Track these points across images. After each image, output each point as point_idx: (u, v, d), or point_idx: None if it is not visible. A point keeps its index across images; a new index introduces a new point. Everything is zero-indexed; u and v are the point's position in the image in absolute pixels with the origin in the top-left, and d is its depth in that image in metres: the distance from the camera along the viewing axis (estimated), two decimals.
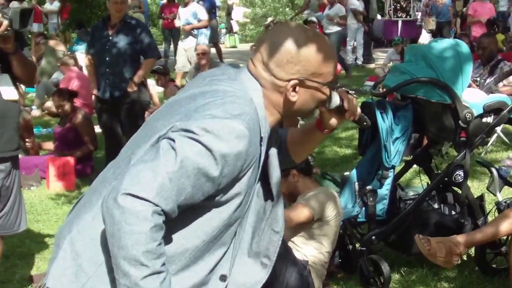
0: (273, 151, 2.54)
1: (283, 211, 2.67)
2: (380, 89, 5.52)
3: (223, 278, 2.48)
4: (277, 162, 2.56)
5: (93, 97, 8.50)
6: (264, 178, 2.52)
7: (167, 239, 2.30)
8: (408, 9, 23.47)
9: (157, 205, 2.17)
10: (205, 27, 15.44)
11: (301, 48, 2.39)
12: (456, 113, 4.99)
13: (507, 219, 4.50)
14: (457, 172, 5.14)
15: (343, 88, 2.62)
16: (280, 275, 4.32)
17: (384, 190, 5.14)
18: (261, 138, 2.37)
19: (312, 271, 4.69)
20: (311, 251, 4.72)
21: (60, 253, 2.38)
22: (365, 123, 2.80)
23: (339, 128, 11.33)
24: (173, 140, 2.22)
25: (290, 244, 4.70)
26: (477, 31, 15.74)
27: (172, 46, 18.65)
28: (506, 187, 5.48)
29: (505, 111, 5.17)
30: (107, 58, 7.88)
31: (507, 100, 5.24)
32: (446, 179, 5.25)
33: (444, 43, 5.23)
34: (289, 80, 2.40)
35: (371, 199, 5.09)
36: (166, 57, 18.13)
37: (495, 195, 5.25)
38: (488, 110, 5.15)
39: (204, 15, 15.25)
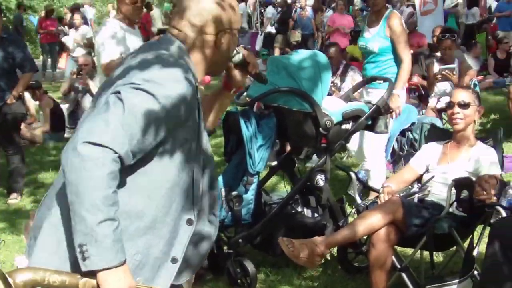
0: (201, 114, 2.77)
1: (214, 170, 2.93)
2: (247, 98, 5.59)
3: (189, 222, 2.69)
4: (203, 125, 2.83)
5: None
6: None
7: (134, 194, 2.52)
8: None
9: (114, 151, 2.34)
10: None
11: (218, 4, 2.74)
12: (316, 120, 5.13)
13: (365, 220, 4.65)
14: (318, 177, 5.28)
15: (241, 45, 3.01)
16: None
17: (250, 195, 5.24)
18: (196, 88, 2.63)
19: None
20: None
21: (42, 232, 2.55)
22: (264, 78, 3.22)
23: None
24: (119, 92, 2.43)
25: None
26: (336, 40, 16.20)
27: (50, 59, 18.99)
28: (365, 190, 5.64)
29: (362, 118, 5.34)
30: None
31: (364, 108, 5.40)
32: (308, 183, 5.39)
33: (303, 54, 5.36)
34: (217, 34, 2.75)
35: (237, 204, 5.19)
36: (44, 70, 18.34)
37: (354, 197, 5.37)
38: (347, 118, 5.30)
39: None
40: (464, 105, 4.99)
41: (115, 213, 2.36)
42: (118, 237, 2.37)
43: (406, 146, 7.97)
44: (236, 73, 3.00)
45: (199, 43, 2.74)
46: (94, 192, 2.31)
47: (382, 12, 6.97)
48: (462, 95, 5.06)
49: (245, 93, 5.61)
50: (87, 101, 11.92)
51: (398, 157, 8.14)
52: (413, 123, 7.95)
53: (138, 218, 2.52)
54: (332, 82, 9.13)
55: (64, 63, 17.65)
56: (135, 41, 6.20)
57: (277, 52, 19.25)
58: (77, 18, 17.15)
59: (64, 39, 16.92)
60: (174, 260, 2.66)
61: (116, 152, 2.35)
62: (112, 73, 2.73)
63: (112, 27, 6.27)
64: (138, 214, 2.52)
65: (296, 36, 20.41)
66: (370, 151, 7.03)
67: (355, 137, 6.30)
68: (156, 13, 24.24)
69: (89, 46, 15.96)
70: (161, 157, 2.55)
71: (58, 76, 19.29)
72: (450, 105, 5.08)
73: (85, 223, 2.31)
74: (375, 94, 6.44)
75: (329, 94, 6.45)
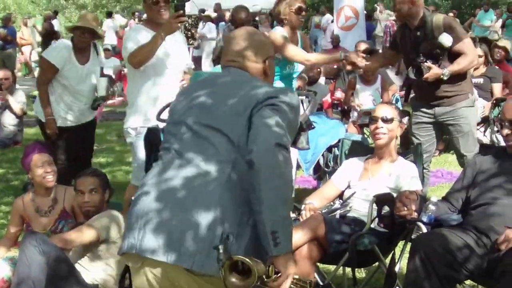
0: None
1: None
2: None
3: None
4: None
5: None
6: None
7: None
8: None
9: (288, 151, 2.84)
10: None
11: (259, 38, 3.36)
12: None
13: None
14: None
15: None
16: None
17: None
18: None
19: None
20: (99, 273, 4.73)
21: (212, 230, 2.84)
22: None
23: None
24: (275, 105, 2.95)
25: (77, 266, 4.68)
26: None
27: None
28: None
29: None
30: None
31: None
32: None
33: None
34: (264, 61, 3.30)
35: None
36: None
37: None
38: None
39: None
40: (387, 120, 5.04)
41: None
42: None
43: (331, 163, 7.98)
44: None
45: (254, 70, 3.27)
46: (287, 186, 2.79)
47: None
48: (385, 110, 5.10)
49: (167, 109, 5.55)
50: (6, 117, 11.62)
51: (323, 173, 8.14)
52: (340, 140, 7.95)
53: None
54: None
55: None
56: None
57: None
58: None
59: None
60: None
61: (288, 152, 2.84)
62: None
63: (130, 29, 6.27)
64: None
65: None
66: None
67: None
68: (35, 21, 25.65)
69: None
70: None
71: None
72: (373, 119, 5.11)
73: (280, 213, 2.75)
74: None
75: None
